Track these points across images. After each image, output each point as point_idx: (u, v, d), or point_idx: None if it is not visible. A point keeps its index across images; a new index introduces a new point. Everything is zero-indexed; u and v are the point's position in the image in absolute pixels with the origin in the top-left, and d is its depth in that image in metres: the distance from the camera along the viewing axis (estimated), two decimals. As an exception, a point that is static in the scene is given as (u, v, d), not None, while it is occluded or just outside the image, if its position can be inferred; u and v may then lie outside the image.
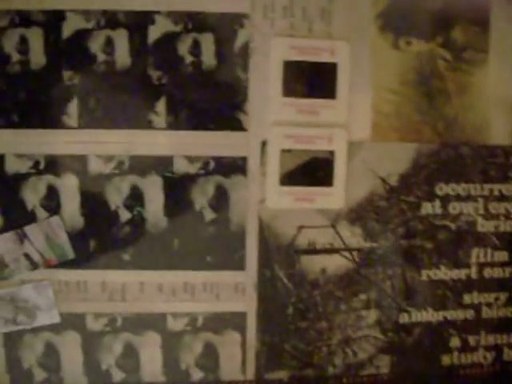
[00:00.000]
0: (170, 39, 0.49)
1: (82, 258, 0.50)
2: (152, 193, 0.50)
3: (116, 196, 0.50)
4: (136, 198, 0.50)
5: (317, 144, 0.50)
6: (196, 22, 0.49)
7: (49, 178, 0.49)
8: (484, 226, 0.54)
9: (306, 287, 0.52)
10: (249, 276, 0.51)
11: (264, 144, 0.50)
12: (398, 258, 0.53)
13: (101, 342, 0.52)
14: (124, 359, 0.52)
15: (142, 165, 0.50)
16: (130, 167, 0.50)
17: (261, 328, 0.52)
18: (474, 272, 0.55)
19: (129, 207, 0.50)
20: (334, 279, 0.52)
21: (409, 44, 0.51)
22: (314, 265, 0.52)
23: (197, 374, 0.53)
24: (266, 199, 0.50)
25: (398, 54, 0.51)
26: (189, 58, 0.49)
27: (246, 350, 0.52)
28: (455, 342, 0.56)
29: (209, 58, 0.49)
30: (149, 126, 0.49)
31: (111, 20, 0.48)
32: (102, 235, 0.50)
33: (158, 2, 0.48)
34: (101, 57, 0.48)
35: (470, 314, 0.56)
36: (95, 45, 0.48)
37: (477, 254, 0.55)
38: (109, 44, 0.48)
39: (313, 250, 0.51)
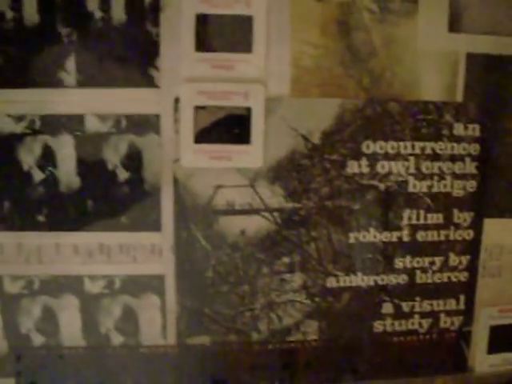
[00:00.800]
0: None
1: (-4, 220, 0.50)
2: (64, 152, 0.50)
3: (28, 156, 0.49)
4: (48, 157, 0.50)
5: (232, 100, 0.50)
6: (105, -25, 0.48)
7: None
8: (416, 187, 0.53)
9: (226, 249, 0.52)
10: (165, 237, 0.51)
11: (177, 101, 0.49)
12: (323, 220, 0.53)
13: (19, 305, 0.52)
14: (43, 323, 0.52)
15: (53, 124, 0.49)
16: (41, 126, 0.49)
17: (180, 291, 0.52)
18: (405, 235, 0.54)
19: (41, 167, 0.49)
20: (255, 241, 0.52)
21: (330, -6, 0.50)
22: (233, 226, 0.51)
23: (117, 338, 0.53)
24: (181, 158, 0.49)
25: (319, 5, 0.51)
26: (98, 14, 0.48)
27: (165, 313, 0.53)
28: (388, 308, 0.55)
29: (119, 13, 0.49)
30: (59, 84, 0.48)
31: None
32: (15, 196, 0.51)
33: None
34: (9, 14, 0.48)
35: (402, 278, 0.55)
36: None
37: (409, 216, 0.54)
38: (15, 0, 0.48)
39: (231, 211, 0.51)
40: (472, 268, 0.57)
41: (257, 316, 0.54)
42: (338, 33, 0.51)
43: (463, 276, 0.57)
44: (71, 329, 0.53)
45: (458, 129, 0.54)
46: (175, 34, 0.50)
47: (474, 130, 0.54)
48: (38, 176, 0.51)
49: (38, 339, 0.54)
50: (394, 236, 0.55)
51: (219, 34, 0.50)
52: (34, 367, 0.54)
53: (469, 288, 0.57)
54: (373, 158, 0.53)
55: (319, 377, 0.56)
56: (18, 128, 0.50)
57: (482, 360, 0.59)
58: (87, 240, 0.52)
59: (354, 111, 0.52)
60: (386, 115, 0.53)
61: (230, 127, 0.51)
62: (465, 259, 0.56)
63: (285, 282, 0.54)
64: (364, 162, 0.53)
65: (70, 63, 0.49)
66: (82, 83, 0.50)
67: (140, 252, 0.52)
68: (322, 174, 0.52)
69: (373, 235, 0.54)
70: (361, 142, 0.53)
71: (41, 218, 0.51)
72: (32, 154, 0.50)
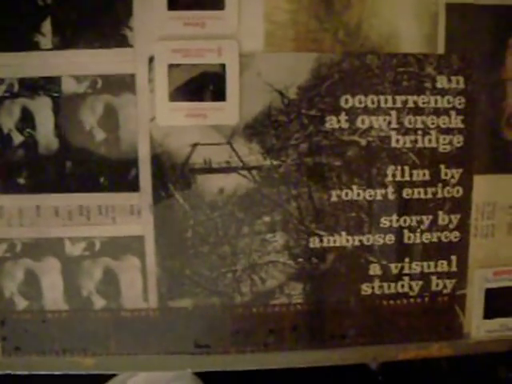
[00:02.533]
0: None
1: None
2: (42, 114, 0.51)
3: (8, 119, 0.51)
4: (27, 120, 0.51)
5: (206, 57, 0.51)
6: None
7: None
8: (399, 142, 0.53)
9: (205, 209, 0.52)
10: (143, 197, 0.52)
11: (151, 60, 0.50)
12: (303, 177, 0.52)
13: (2, 268, 0.53)
14: (26, 286, 0.54)
15: (30, 87, 0.51)
16: (19, 89, 0.51)
17: (160, 253, 0.53)
18: (390, 192, 0.54)
19: (20, 130, 0.51)
20: (234, 200, 0.52)
21: None
22: (211, 184, 0.52)
23: (99, 302, 0.54)
24: (156, 116, 0.50)
25: (291, -41, 0.50)
26: (72, -25, 0.50)
27: (146, 276, 0.54)
28: (375, 269, 0.55)
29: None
30: (35, 47, 0.50)
31: None
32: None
33: None
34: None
35: (389, 238, 0.54)
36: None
37: (393, 173, 0.54)
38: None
39: (208, 169, 0.52)
40: (463, 227, 0.56)
41: (239, 278, 0.54)
42: (311, -14, 0.52)
43: (454, 236, 0.56)
44: (54, 292, 0.55)
45: (442, 81, 0.54)
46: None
47: (459, 82, 0.54)
48: (18, 138, 0.53)
49: (21, 303, 0.55)
50: (378, 194, 0.54)
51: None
52: (18, 332, 0.55)
53: (461, 249, 0.56)
54: (352, 113, 0.53)
55: (306, 342, 0.56)
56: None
57: (478, 325, 0.57)
58: (67, 202, 0.54)
59: (330, 65, 0.53)
60: (364, 68, 0.53)
61: (204, 85, 0.52)
62: (455, 218, 0.55)
63: (266, 242, 0.54)
64: (343, 116, 0.53)
65: (46, 26, 0.51)
66: (58, 45, 0.52)
67: (119, 213, 0.54)
68: (300, 129, 0.53)
69: (356, 193, 0.54)
70: (339, 96, 0.53)
71: (21, 181, 0.53)
72: (11, 117, 0.53)
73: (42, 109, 0.53)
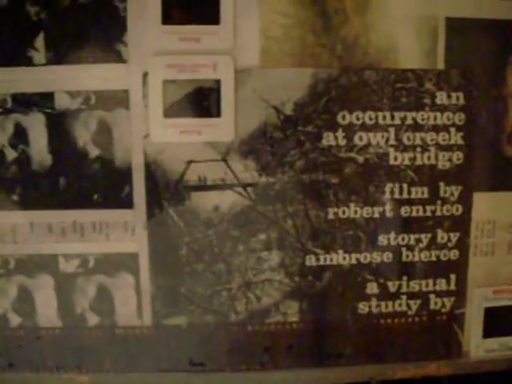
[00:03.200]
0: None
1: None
2: (35, 130, 0.51)
3: (1, 135, 0.50)
4: (20, 136, 0.51)
5: (201, 73, 0.50)
6: (70, -48, 0.49)
7: None
8: (397, 159, 0.52)
9: (199, 226, 0.52)
10: (137, 214, 0.52)
11: (146, 75, 0.49)
12: (300, 195, 0.52)
13: (-4, 285, 0.53)
14: (19, 303, 0.53)
15: (24, 102, 0.50)
16: (12, 105, 0.50)
17: (154, 270, 0.53)
18: (388, 210, 0.52)
19: (13, 146, 0.50)
20: (229, 217, 0.51)
21: (298, -39, 0.49)
22: (206, 202, 0.51)
23: (93, 319, 0.54)
24: (150, 133, 0.50)
25: (288, -27, 0.49)
26: (66, -10, 0.49)
27: (140, 293, 0.53)
28: (372, 287, 0.54)
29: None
30: (28, 62, 0.49)
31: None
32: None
33: None
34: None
35: (387, 256, 0.53)
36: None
37: (391, 190, 0.52)
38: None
39: (203, 186, 0.51)
40: (462, 246, 0.55)
41: (234, 296, 0.54)
42: (307, 0, 0.51)
43: (453, 254, 0.54)
44: (47, 309, 0.54)
45: (441, 97, 0.52)
46: (142, 8, 0.50)
47: (459, 98, 0.52)
48: (11, 155, 0.52)
49: (15, 320, 0.55)
50: (375, 211, 0.53)
51: (186, 6, 0.50)
52: (12, 348, 0.54)
53: (460, 267, 0.55)
54: (350, 130, 0.52)
55: (302, 361, 0.55)
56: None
57: (477, 344, 0.56)
58: (61, 218, 0.53)
59: (327, 81, 0.51)
60: (362, 84, 0.52)
61: (199, 101, 0.51)
62: (454, 236, 0.54)
63: (262, 260, 0.53)
64: (340, 133, 0.52)
65: (39, 41, 0.51)
66: (52, 61, 0.51)
67: (113, 230, 0.53)
68: (297, 146, 0.52)
69: (353, 211, 0.53)
70: (336, 112, 0.52)
71: (14, 197, 0.53)
72: (4, 133, 0.52)
73: (36, 125, 0.52)
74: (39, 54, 0.51)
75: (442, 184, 0.54)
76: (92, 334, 0.55)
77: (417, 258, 0.54)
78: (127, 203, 0.53)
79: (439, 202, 0.54)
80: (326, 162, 0.52)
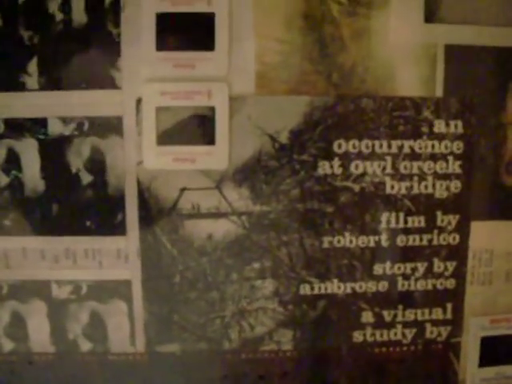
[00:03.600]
0: (39, -3, 0.48)
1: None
2: (28, 156, 0.50)
3: (-7, 160, 0.50)
4: (12, 161, 0.50)
5: (195, 100, 0.49)
6: (64, -24, 0.48)
7: None
8: (394, 188, 0.51)
9: (193, 254, 0.51)
10: (130, 242, 0.51)
11: (139, 102, 0.48)
12: (294, 224, 0.51)
13: (-12, 310, 0.52)
14: (12, 328, 0.53)
15: (16, 128, 0.50)
16: (5, 130, 0.49)
17: (147, 298, 0.52)
18: (384, 239, 0.52)
19: (6, 171, 0.50)
20: (223, 246, 0.51)
21: (295, -15, 0.48)
22: (199, 230, 0.51)
23: (85, 345, 0.53)
24: (144, 160, 0.49)
25: (284, -2, 0.48)
26: (59, 16, 0.49)
27: (133, 320, 0.53)
28: (367, 316, 0.53)
29: (79, 15, 0.49)
30: (21, 87, 0.49)
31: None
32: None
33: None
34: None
35: (382, 286, 0.52)
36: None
37: (387, 220, 0.51)
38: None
39: (197, 214, 0.50)
40: (459, 275, 0.54)
41: (227, 324, 0.53)
42: (304, 27, 0.50)
43: (450, 283, 0.54)
44: (40, 335, 0.54)
45: (439, 126, 0.51)
46: (136, 34, 0.49)
47: (457, 126, 0.51)
48: (3, 180, 0.51)
49: (7, 345, 0.54)
50: (371, 241, 0.52)
51: (180, 33, 0.49)
52: (5, 374, 0.54)
53: (456, 296, 0.54)
54: (346, 158, 0.51)
55: (296, 389, 0.55)
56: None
57: (473, 373, 0.55)
58: (53, 245, 0.52)
59: (323, 109, 0.50)
60: (358, 112, 0.51)
61: (193, 128, 0.50)
62: (451, 265, 0.53)
63: (255, 288, 0.52)
64: (336, 162, 0.51)
65: (32, 66, 0.50)
66: (45, 86, 0.50)
67: (106, 257, 0.52)
68: (292, 175, 0.51)
69: (348, 240, 0.52)
70: (332, 141, 0.51)
71: (7, 223, 0.52)
72: (-2, 160, 0.51)
73: (28, 150, 0.51)
74: (32, 78, 0.50)
75: (439, 213, 0.53)
76: (85, 360, 0.54)
77: (413, 287, 0.54)
78: (120, 230, 0.52)
79: (436, 231, 0.53)
80: (322, 191, 0.51)
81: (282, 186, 0.51)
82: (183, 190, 0.51)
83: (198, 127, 0.50)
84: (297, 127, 0.51)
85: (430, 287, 0.54)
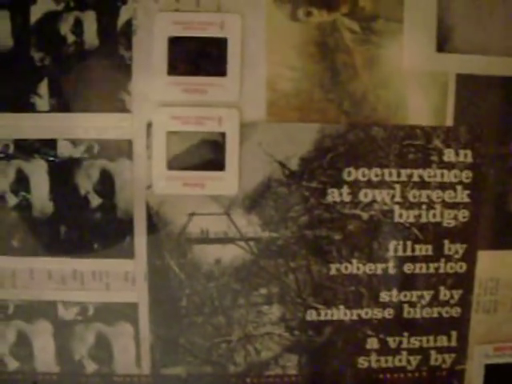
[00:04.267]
0: (51, 19, 0.47)
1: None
2: (37, 177, 0.50)
3: (2, 181, 0.49)
4: (21, 182, 0.49)
5: (206, 125, 0.49)
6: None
7: None
8: (402, 216, 0.50)
9: (200, 279, 0.51)
10: (138, 265, 0.51)
11: (150, 126, 0.48)
12: (302, 250, 0.51)
13: (-6, 329, 0.52)
14: (17, 348, 0.52)
15: (26, 149, 0.49)
16: (14, 151, 0.49)
17: (154, 320, 0.52)
18: (391, 267, 0.51)
19: (15, 192, 0.49)
20: (231, 271, 0.50)
21: (309, 14, 0.47)
22: (207, 255, 0.50)
23: (91, 366, 0.53)
24: (153, 185, 0.48)
25: (296, 26, 0.49)
26: (71, 38, 0.48)
27: (139, 342, 0.52)
28: (373, 343, 0.53)
29: (91, 38, 0.48)
30: (32, 108, 0.48)
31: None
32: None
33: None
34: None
35: (388, 313, 0.52)
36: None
37: (395, 248, 0.51)
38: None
39: (205, 239, 0.50)
40: (465, 303, 0.53)
41: (233, 348, 0.52)
42: (316, 54, 0.49)
43: (455, 311, 0.53)
44: (45, 355, 0.53)
45: (449, 155, 0.51)
46: (148, 58, 0.49)
47: (466, 155, 0.51)
48: (12, 201, 0.51)
49: (12, 364, 0.53)
50: (378, 268, 0.52)
51: (192, 57, 0.49)
52: (9, 393, 0.54)
53: (461, 324, 0.54)
54: (355, 186, 0.51)
55: (300, 413, 0.54)
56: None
57: (476, 401, 0.55)
58: (61, 266, 0.52)
59: (334, 136, 0.50)
60: (369, 140, 0.50)
61: (203, 153, 0.50)
62: (457, 293, 0.53)
63: (262, 313, 0.52)
64: (345, 189, 0.50)
65: (43, 87, 0.49)
66: (55, 108, 0.49)
67: (113, 279, 0.52)
68: (301, 202, 0.50)
69: (356, 267, 0.52)
70: (342, 168, 0.50)
71: (15, 243, 0.51)
72: (6, 179, 0.50)
73: (38, 172, 0.50)
74: (42, 100, 0.49)
75: (446, 242, 0.52)
76: (90, 381, 0.53)
77: (418, 315, 0.53)
78: (128, 253, 0.51)
79: (443, 260, 0.52)
80: (330, 219, 0.51)
81: (291, 213, 0.51)
82: (192, 214, 0.50)
83: (209, 153, 0.50)
84: (307, 154, 0.50)
85: (435, 315, 0.53)
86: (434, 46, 0.50)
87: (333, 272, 0.52)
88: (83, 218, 0.51)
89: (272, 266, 0.51)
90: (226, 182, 0.50)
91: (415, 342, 0.54)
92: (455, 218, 0.52)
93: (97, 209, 0.51)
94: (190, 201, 0.50)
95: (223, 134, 0.49)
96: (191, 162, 0.50)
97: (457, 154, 0.51)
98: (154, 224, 0.51)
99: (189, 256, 0.51)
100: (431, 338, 0.54)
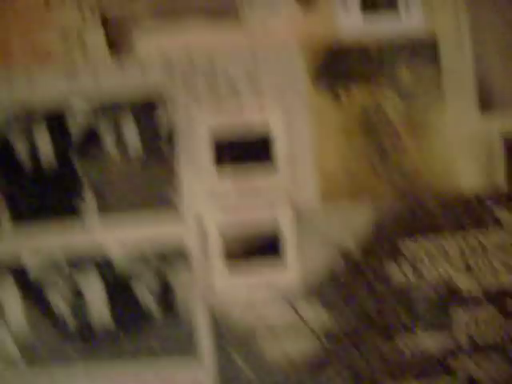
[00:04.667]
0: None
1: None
2: (93, 293, 0.48)
3: (60, 301, 0.48)
4: (78, 299, 0.48)
5: (259, 216, 0.47)
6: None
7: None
8: (465, 284, 0.49)
9: (271, 376, 0.48)
10: (206, 371, 0.48)
11: (200, 222, 0.47)
12: (371, 332, 0.48)
13: None
14: None
15: (80, 265, 0.48)
16: (69, 270, 0.48)
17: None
18: (460, 337, 0.49)
19: (73, 310, 0.48)
20: (302, 365, 0.48)
21: (349, 93, 0.47)
22: (277, 351, 0.48)
23: None
24: (215, 288, 0.47)
25: (339, 109, 0.47)
26: (114, 151, 0.47)
27: None
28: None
29: (136, 151, 0.47)
30: (82, 222, 0.47)
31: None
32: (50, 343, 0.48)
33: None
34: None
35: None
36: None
37: (460, 316, 0.49)
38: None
39: (272, 334, 0.47)
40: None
41: None
42: (362, 134, 0.49)
43: (532, 372, 0.52)
44: None
45: (506, 218, 0.50)
46: (192, 160, 0.48)
47: (522, 215, 0.50)
48: (72, 323, 0.49)
49: None
50: (447, 339, 0.50)
51: (239, 157, 0.48)
52: None
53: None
54: (416, 260, 0.49)
55: None
56: (49, 275, 0.49)
57: None
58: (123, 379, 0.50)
59: (390, 213, 0.49)
60: (425, 212, 0.49)
61: (260, 245, 0.48)
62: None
63: (339, 402, 0.50)
64: (406, 264, 0.49)
65: (90, 201, 0.48)
66: (104, 223, 0.48)
67: (180, 386, 0.50)
68: (364, 284, 0.49)
69: (427, 342, 0.50)
70: (399, 243, 0.49)
71: (71, 352, 0.49)
72: (63, 299, 0.49)
73: (93, 287, 0.49)
74: (91, 216, 0.48)
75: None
76: None
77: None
78: (194, 360, 0.50)
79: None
80: (394, 295, 0.50)
81: (356, 298, 0.49)
82: (252, 305, 0.49)
83: (265, 244, 0.49)
84: (365, 235, 0.49)
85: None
86: (477, 107, 0.49)
87: (404, 349, 0.50)
88: (145, 330, 0.49)
89: (342, 354, 0.50)
90: (287, 273, 0.48)
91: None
92: (518, 278, 0.51)
93: (158, 320, 0.49)
94: (253, 296, 0.49)
95: (278, 224, 0.48)
96: (249, 255, 0.48)
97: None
98: (218, 325, 0.49)
99: (257, 354, 0.49)
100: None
